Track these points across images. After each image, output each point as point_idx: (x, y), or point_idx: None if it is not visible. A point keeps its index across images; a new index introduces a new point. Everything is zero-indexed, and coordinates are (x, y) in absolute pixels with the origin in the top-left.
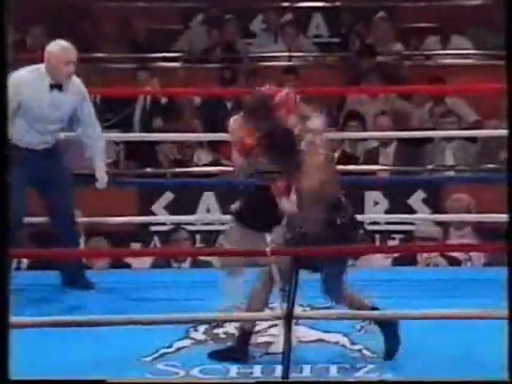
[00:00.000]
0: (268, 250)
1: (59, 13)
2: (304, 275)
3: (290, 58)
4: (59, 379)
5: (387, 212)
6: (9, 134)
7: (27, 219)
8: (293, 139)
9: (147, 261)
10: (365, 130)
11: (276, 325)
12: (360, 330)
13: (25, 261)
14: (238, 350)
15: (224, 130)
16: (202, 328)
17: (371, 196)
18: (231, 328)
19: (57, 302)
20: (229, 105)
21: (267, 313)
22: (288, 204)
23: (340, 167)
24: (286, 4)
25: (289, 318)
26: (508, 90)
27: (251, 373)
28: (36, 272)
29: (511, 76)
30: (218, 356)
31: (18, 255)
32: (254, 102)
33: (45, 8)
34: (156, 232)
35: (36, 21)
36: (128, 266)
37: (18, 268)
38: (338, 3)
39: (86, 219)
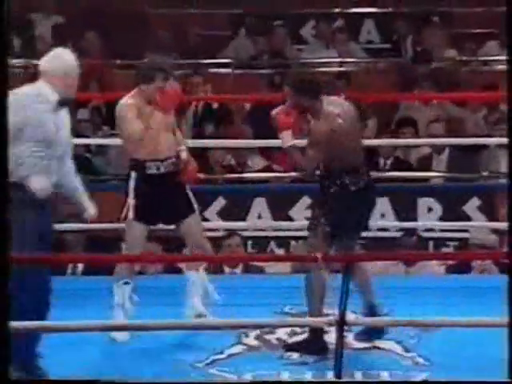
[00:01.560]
0: (319, 255)
1: (112, 19)
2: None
3: (341, 64)
4: (58, 379)
5: (441, 219)
6: None
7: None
8: (321, 87)
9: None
10: (417, 136)
11: (328, 331)
12: (413, 338)
13: (80, 266)
14: (315, 343)
15: (275, 136)
16: (253, 334)
17: (425, 203)
18: (283, 334)
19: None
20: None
21: (320, 319)
22: (287, 137)
23: (393, 174)
24: (337, 10)
25: (341, 325)
26: (508, 97)
27: (303, 378)
28: (90, 277)
29: (511, 83)
30: (296, 348)
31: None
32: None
33: (98, 14)
34: (208, 238)
35: (90, 26)
36: (180, 271)
37: (73, 273)
38: (390, 9)
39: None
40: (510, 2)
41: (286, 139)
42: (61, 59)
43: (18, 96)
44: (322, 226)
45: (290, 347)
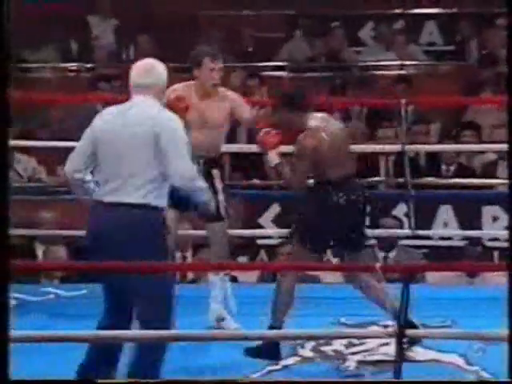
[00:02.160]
0: (378, 265)
1: (166, 22)
2: (416, 291)
3: (401, 67)
4: (57, 379)
5: (507, 228)
6: None
7: None
8: (307, 104)
9: (254, 275)
10: (481, 141)
11: (388, 343)
12: (477, 351)
13: None
14: (270, 348)
15: None
16: (309, 345)
17: (489, 211)
18: (339, 345)
19: None
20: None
21: (379, 330)
22: (273, 157)
23: (456, 180)
24: (397, 11)
25: (401, 337)
26: (508, 102)
27: None
28: None
29: (511, 89)
30: (250, 353)
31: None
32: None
33: (152, 17)
34: (263, 245)
35: (143, 30)
36: (235, 279)
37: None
38: (454, 9)
39: (192, 231)
40: (510, 4)
41: (273, 159)
42: (159, 70)
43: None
44: (297, 236)
45: (249, 352)
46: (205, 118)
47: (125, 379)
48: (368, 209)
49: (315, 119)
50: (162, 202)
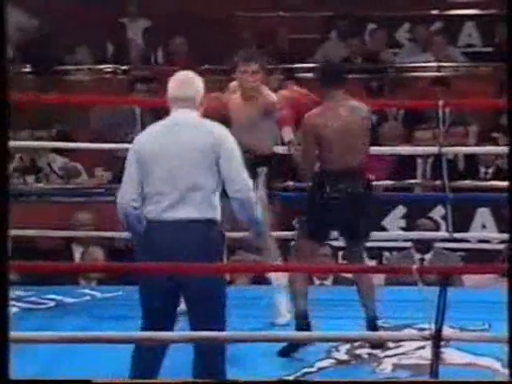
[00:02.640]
0: (414, 267)
1: (201, 23)
2: (454, 294)
3: (438, 69)
4: (57, 379)
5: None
6: None
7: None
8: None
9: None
10: None
11: (423, 347)
12: None
13: None
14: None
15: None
16: (344, 348)
17: None
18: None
19: None
20: (374, 118)
21: (415, 333)
22: (288, 133)
23: (494, 183)
24: (434, 12)
25: (438, 340)
26: (508, 104)
27: None
28: None
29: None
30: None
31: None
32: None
33: (186, 18)
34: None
35: (177, 31)
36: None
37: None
38: (492, 10)
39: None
40: (511, 3)
41: (287, 135)
42: (199, 82)
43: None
44: (302, 227)
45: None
46: (245, 119)
47: (125, 379)
48: (404, 210)
49: (332, 99)
50: (219, 214)
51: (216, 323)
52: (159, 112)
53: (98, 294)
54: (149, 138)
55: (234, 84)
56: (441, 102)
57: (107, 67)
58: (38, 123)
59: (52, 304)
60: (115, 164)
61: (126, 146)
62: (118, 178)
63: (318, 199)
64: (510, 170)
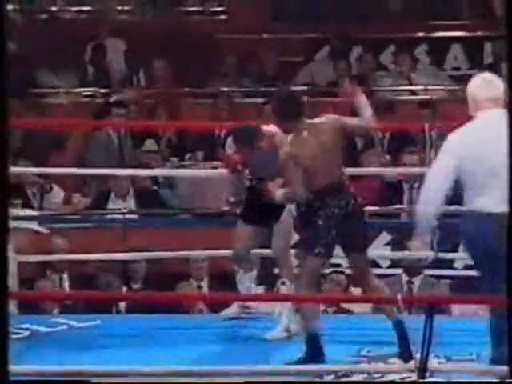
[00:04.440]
0: (399, 297)
1: (181, 46)
2: (441, 323)
3: (426, 93)
4: (56, 379)
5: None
6: None
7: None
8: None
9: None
10: None
11: (409, 377)
12: None
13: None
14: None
15: (356, 165)
16: (329, 377)
17: None
18: (360, 378)
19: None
20: (359, 143)
21: (399, 365)
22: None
23: None
24: (420, 34)
25: (423, 371)
26: (508, 106)
27: None
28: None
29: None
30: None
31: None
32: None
33: (166, 41)
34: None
35: (157, 54)
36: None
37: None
38: (479, 32)
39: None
40: (510, 3)
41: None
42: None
43: None
44: (306, 247)
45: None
46: None
47: (125, 379)
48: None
49: (296, 128)
50: None
51: None
52: (136, 136)
53: (74, 323)
54: (469, 137)
55: None
56: (427, 126)
57: (86, 90)
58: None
59: (26, 334)
60: (92, 190)
61: (105, 171)
62: (95, 204)
63: (314, 217)
64: (510, 171)
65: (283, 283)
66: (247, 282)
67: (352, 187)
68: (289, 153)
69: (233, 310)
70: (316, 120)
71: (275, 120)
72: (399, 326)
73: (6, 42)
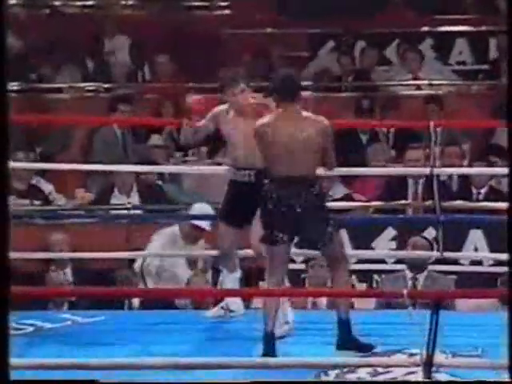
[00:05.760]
0: (405, 292)
1: (185, 41)
2: (447, 318)
3: (430, 87)
4: (56, 379)
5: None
6: None
7: None
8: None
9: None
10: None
11: (414, 372)
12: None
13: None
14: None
15: (358, 164)
16: (333, 373)
17: None
18: (364, 373)
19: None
20: (364, 138)
21: (405, 359)
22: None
23: (486, 204)
24: (425, 29)
25: (429, 366)
26: (508, 99)
27: None
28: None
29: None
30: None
31: None
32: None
33: (170, 36)
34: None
35: (162, 49)
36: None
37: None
38: (484, 27)
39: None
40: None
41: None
42: None
43: None
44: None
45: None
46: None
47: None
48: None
49: (285, 110)
50: None
51: None
52: (140, 131)
53: (79, 319)
54: None
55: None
56: (432, 123)
57: (89, 85)
58: (18, 144)
59: (31, 329)
60: (97, 185)
61: (110, 167)
62: (99, 200)
63: (266, 205)
64: (510, 188)
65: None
66: (231, 283)
67: (321, 190)
68: (262, 124)
69: (215, 311)
70: (310, 114)
71: (273, 99)
72: (345, 325)
73: (7, 38)
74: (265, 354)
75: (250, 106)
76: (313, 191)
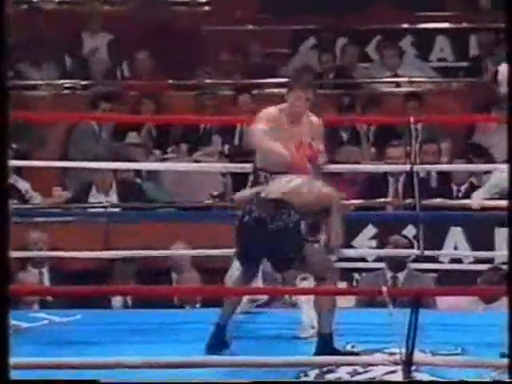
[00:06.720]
0: (384, 289)
1: (165, 37)
2: (427, 317)
3: (411, 84)
4: (57, 379)
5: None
6: None
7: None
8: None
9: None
10: (492, 162)
11: (394, 371)
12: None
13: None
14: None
15: (335, 161)
16: (313, 373)
17: (503, 233)
18: (344, 373)
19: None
20: (344, 135)
21: (385, 358)
22: None
23: (466, 201)
24: (405, 26)
25: (408, 365)
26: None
27: None
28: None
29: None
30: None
31: None
32: None
33: (150, 32)
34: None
35: (141, 46)
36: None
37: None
38: (464, 24)
39: None
40: (511, 3)
41: None
42: None
43: None
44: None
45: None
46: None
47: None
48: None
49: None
50: None
51: None
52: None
53: (56, 319)
54: None
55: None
56: (412, 119)
57: (66, 82)
58: None
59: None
60: (75, 183)
61: (87, 164)
62: (77, 198)
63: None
64: (510, 188)
65: (304, 279)
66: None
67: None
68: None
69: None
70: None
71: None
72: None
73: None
74: (211, 347)
75: (302, 116)
76: (285, 210)
